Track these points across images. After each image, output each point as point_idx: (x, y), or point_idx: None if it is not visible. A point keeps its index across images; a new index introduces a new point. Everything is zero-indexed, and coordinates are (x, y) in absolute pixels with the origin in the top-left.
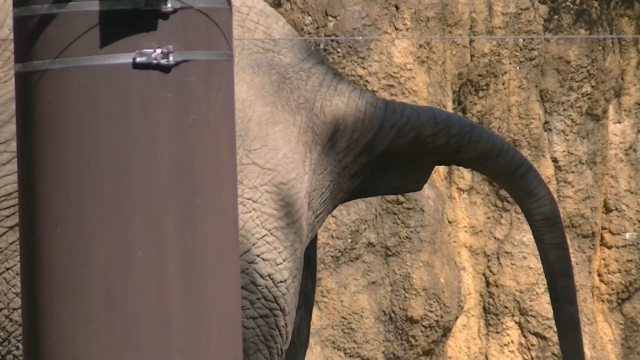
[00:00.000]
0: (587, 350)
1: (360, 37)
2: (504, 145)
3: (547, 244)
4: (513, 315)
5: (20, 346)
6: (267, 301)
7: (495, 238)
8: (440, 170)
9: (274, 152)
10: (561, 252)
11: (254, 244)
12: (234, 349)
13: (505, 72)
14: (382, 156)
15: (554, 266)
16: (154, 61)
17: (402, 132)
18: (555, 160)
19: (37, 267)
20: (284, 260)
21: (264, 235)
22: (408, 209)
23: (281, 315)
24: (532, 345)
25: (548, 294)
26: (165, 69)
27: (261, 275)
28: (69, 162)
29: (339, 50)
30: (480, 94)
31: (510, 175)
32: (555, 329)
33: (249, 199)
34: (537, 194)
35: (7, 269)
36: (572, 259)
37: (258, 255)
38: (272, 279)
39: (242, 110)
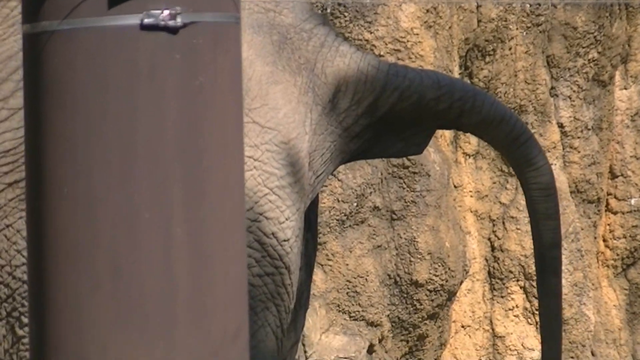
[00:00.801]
0: (592, 315)
1: (368, 1)
2: (507, 112)
3: (541, 214)
4: (518, 280)
5: (25, 303)
6: (273, 259)
7: (500, 203)
8: (446, 134)
9: (274, 112)
10: (553, 223)
11: (256, 202)
12: (239, 315)
13: (512, 38)
14: (384, 119)
15: (544, 237)
16: (162, 22)
17: (404, 95)
18: (561, 126)
19: (43, 233)
20: (286, 219)
21: (266, 194)
22: (414, 173)
23: (287, 273)
24: (537, 309)
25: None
26: (173, 30)
27: (265, 234)
28: (76, 125)
29: (345, 14)
30: (487, 59)
31: (511, 143)
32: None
33: (249, 157)
34: (536, 163)
35: (7, 226)
36: (578, 225)
37: (261, 214)
38: (276, 237)
39: (242, 70)
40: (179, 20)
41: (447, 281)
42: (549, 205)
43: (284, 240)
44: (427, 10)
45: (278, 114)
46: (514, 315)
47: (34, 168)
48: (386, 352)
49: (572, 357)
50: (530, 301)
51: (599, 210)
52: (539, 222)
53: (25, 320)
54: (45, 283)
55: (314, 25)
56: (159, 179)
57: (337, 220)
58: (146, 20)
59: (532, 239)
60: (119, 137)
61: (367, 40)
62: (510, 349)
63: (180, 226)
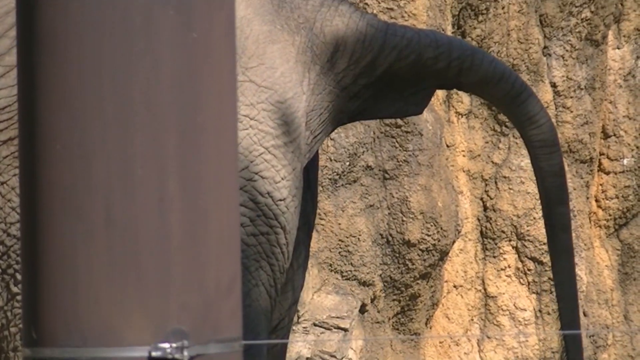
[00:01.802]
0: (584, 276)
1: None
2: (506, 70)
3: (545, 171)
4: (510, 240)
5: (20, 260)
6: (268, 218)
7: (493, 162)
8: (439, 94)
9: (271, 71)
10: (559, 180)
11: (251, 162)
12: (232, 268)
13: None
14: (382, 78)
15: (550, 193)
16: None
17: (402, 55)
18: (554, 85)
19: (36, 185)
20: (282, 179)
21: (262, 153)
22: (406, 132)
23: (282, 233)
24: (529, 270)
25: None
26: None
27: (260, 193)
28: (70, 79)
29: None
30: (480, 18)
31: (511, 101)
32: None
33: (245, 116)
34: (538, 120)
35: (2, 183)
36: (570, 185)
37: (256, 173)
38: (271, 196)
39: (240, 28)
40: None
41: (439, 241)
42: (552, 162)
43: (280, 200)
44: None
45: (275, 73)
46: (506, 275)
47: (27, 122)
48: (378, 311)
49: None
50: (522, 261)
51: (591, 170)
52: (545, 179)
53: (20, 277)
54: (38, 236)
55: None
56: (153, 132)
57: (330, 179)
58: None
59: (539, 196)
60: (113, 91)
61: None
62: (502, 309)
63: (174, 178)
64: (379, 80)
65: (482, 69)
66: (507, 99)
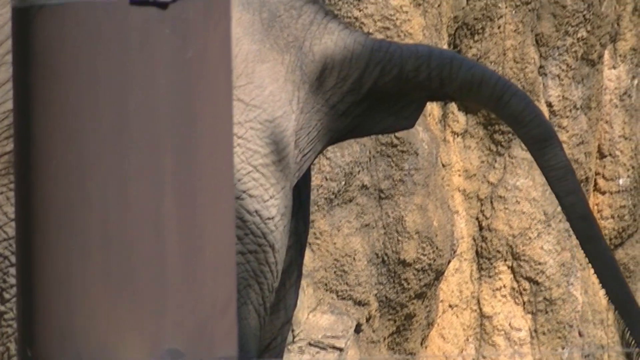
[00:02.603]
0: (579, 296)
1: None
2: (485, 73)
3: (548, 166)
4: (505, 260)
5: (6, 279)
6: (256, 237)
7: (488, 182)
8: (435, 113)
9: (259, 90)
10: (562, 171)
11: (239, 180)
12: (228, 287)
13: (501, 16)
14: (371, 95)
15: (558, 187)
16: None
17: (386, 70)
18: (549, 105)
19: (32, 202)
20: (271, 197)
21: (250, 172)
22: (402, 151)
23: (271, 251)
24: (525, 289)
25: (541, 239)
26: (163, 5)
27: (248, 212)
28: (67, 98)
29: None
30: (476, 37)
31: (496, 104)
32: (547, 274)
33: (233, 135)
34: (527, 116)
35: None
36: None
37: (244, 192)
38: (259, 215)
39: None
40: None
41: (434, 260)
42: (550, 156)
43: (268, 218)
44: None
45: (263, 92)
46: (502, 295)
47: (24, 140)
48: (373, 331)
49: (559, 338)
50: (517, 281)
51: (587, 190)
52: (548, 173)
53: (7, 295)
54: (34, 254)
55: (304, 2)
56: (149, 150)
57: (325, 198)
58: None
59: (551, 189)
60: (109, 110)
61: (356, 18)
62: (497, 329)
63: (170, 197)
64: (367, 97)
65: (460, 74)
66: (492, 102)
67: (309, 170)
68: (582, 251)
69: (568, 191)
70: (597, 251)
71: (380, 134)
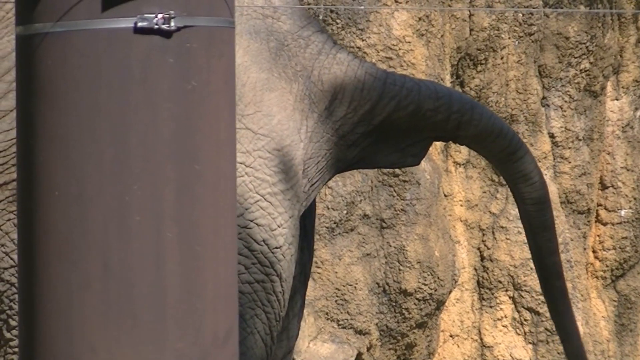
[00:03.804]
0: (581, 327)
1: (361, 7)
2: (504, 126)
3: (536, 227)
4: (507, 290)
5: (13, 306)
6: (263, 266)
7: (490, 212)
8: (437, 143)
9: (268, 118)
10: (548, 234)
11: (247, 209)
12: (229, 318)
13: (504, 47)
14: (381, 128)
15: (542, 246)
16: (155, 26)
17: (401, 105)
18: (552, 136)
19: (33, 232)
20: (278, 227)
21: (258, 201)
22: (404, 181)
23: (278, 281)
24: (526, 320)
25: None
26: (167, 34)
27: (256, 241)
28: (68, 127)
29: (338, 21)
30: (479, 68)
31: (506, 158)
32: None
33: (241, 163)
34: (532, 178)
35: None
36: (567, 235)
37: (252, 220)
38: (267, 244)
39: (237, 76)
40: (172, 24)
41: (436, 290)
42: (544, 219)
43: (276, 248)
44: (420, 19)
45: (272, 121)
46: (503, 325)
47: (26, 169)
48: None
49: None
50: (519, 311)
51: (588, 221)
52: (536, 234)
53: (13, 323)
54: (35, 283)
55: (312, 32)
56: (151, 181)
57: (327, 227)
58: (140, 24)
59: (530, 249)
60: (111, 140)
61: (359, 48)
62: (498, 359)
63: (171, 228)
64: (377, 129)
65: (481, 123)
66: (503, 155)
67: (314, 199)
68: (583, 282)
69: (553, 251)
70: (566, 309)
71: (386, 168)
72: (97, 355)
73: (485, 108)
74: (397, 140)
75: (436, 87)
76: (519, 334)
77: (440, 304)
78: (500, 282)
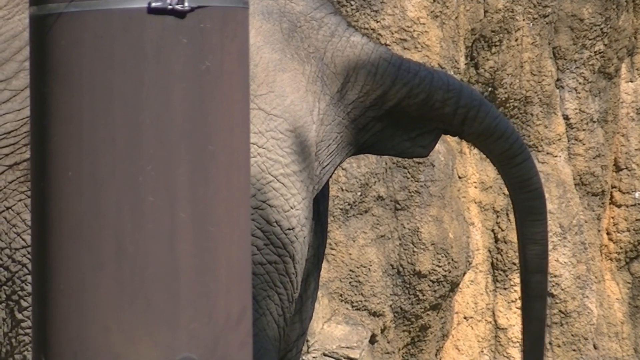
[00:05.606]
0: (594, 309)
1: None
2: (508, 128)
3: (527, 238)
4: None
5: (25, 287)
6: (276, 247)
7: (504, 194)
8: None
9: (280, 99)
10: (539, 248)
11: (259, 190)
12: (243, 298)
13: (519, 29)
14: (391, 114)
15: (530, 262)
16: (169, 6)
17: (413, 92)
18: (566, 118)
19: (47, 213)
20: (291, 208)
21: (270, 181)
22: (418, 163)
23: (291, 262)
24: None
25: (556, 252)
26: (180, 14)
27: (269, 222)
28: (82, 107)
29: (352, 2)
30: (493, 49)
31: (507, 161)
32: (562, 286)
33: (254, 144)
34: (530, 185)
35: (7, 208)
36: (582, 217)
37: (265, 202)
38: (280, 225)
39: (249, 55)
40: (186, 4)
41: (450, 272)
42: (535, 230)
43: (289, 229)
44: (434, 0)
45: (285, 101)
46: (517, 307)
47: (39, 149)
48: (388, 342)
49: (574, 350)
50: None
51: (603, 203)
52: (526, 245)
53: (25, 303)
54: (48, 264)
55: (325, 14)
56: (164, 161)
57: (341, 209)
58: (154, 4)
59: (519, 262)
60: (124, 120)
61: (373, 29)
62: (512, 341)
63: (184, 209)
64: (388, 114)
65: (485, 121)
66: (504, 157)
67: (327, 182)
68: (597, 264)
69: (539, 269)
70: (539, 334)
71: (395, 156)
72: (111, 335)
73: (494, 108)
74: (407, 129)
75: (449, 80)
76: None
77: (454, 286)
78: (514, 263)
